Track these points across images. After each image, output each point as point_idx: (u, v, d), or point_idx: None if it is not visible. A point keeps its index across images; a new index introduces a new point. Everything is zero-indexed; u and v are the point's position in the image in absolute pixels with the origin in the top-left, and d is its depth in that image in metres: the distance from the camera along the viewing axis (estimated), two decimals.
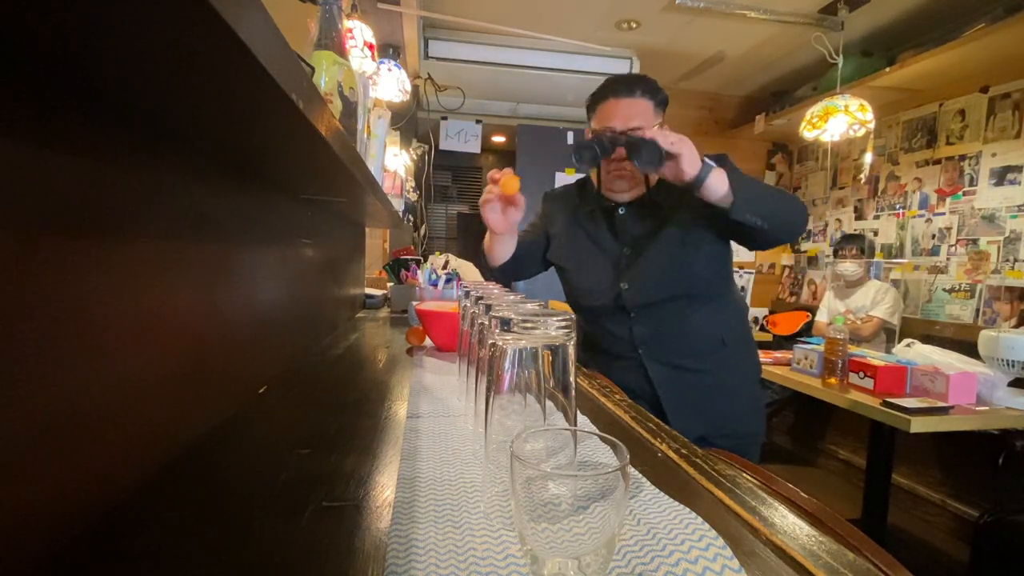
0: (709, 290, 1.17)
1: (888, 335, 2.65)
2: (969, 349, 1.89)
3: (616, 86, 1.14)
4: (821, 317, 2.93)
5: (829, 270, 3.41)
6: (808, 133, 2.60)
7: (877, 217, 3.13)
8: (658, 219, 1.17)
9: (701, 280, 1.15)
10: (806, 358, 2.09)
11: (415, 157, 2.91)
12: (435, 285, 1.90)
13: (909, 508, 2.61)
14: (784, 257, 3.92)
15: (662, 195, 1.17)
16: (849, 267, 2.69)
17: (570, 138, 3.12)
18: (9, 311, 0.34)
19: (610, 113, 1.13)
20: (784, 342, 2.86)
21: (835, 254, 2.83)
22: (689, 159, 0.99)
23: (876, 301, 2.65)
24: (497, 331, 0.44)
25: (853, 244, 2.73)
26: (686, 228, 1.14)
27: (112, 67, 0.33)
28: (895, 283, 2.96)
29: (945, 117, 2.74)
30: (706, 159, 1.01)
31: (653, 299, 1.15)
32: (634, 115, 1.11)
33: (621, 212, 1.20)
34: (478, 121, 3.20)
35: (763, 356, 2.35)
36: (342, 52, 0.75)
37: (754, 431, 1.23)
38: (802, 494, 0.56)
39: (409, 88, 2.32)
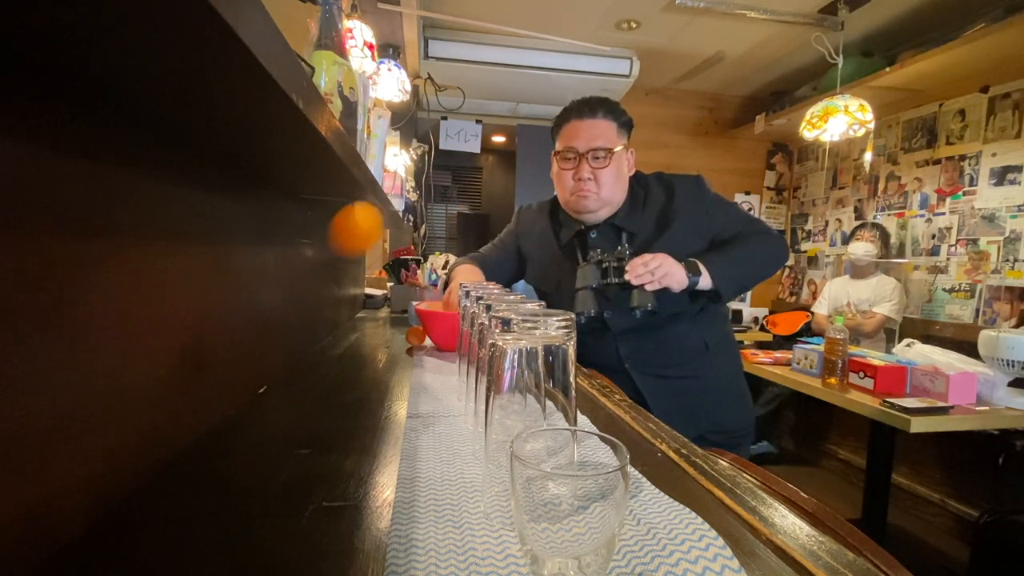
0: (691, 306, 1.17)
1: (888, 335, 2.64)
2: (969, 349, 1.89)
3: (579, 107, 1.15)
4: (820, 309, 2.92)
5: (832, 262, 3.39)
6: (808, 133, 2.60)
7: (876, 217, 3.13)
8: (630, 244, 1.17)
9: (681, 300, 1.15)
10: (806, 358, 2.09)
11: (415, 157, 2.91)
12: (435, 285, 1.91)
13: (909, 508, 2.61)
14: None
15: (628, 221, 1.18)
16: (861, 247, 2.70)
17: None
18: (9, 311, 0.34)
19: (573, 134, 1.14)
20: (784, 342, 2.86)
21: (851, 235, 2.83)
22: (677, 282, 1.04)
23: (881, 296, 2.64)
24: (497, 331, 0.44)
25: (873, 229, 2.75)
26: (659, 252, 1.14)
27: (112, 67, 0.33)
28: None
29: (945, 117, 2.74)
30: (688, 273, 1.05)
31: (637, 323, 1.15)
32: (597, 136, 1.12)
33: (593, 236, 1.21)
34: (478, 121, 3.20)
35: (763, 356, 2.36)
36: (342, 52, 0.75)
37: (744, 425, 1.25)
38: (802, 494, 0.56)
39: (409, 88, 2.32)
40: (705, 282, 1.07)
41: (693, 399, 1.17)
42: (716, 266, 1.08)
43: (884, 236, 2.76)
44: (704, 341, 1.19)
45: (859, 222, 3.13)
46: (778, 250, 1.18)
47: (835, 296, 2.85)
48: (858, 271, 2.76)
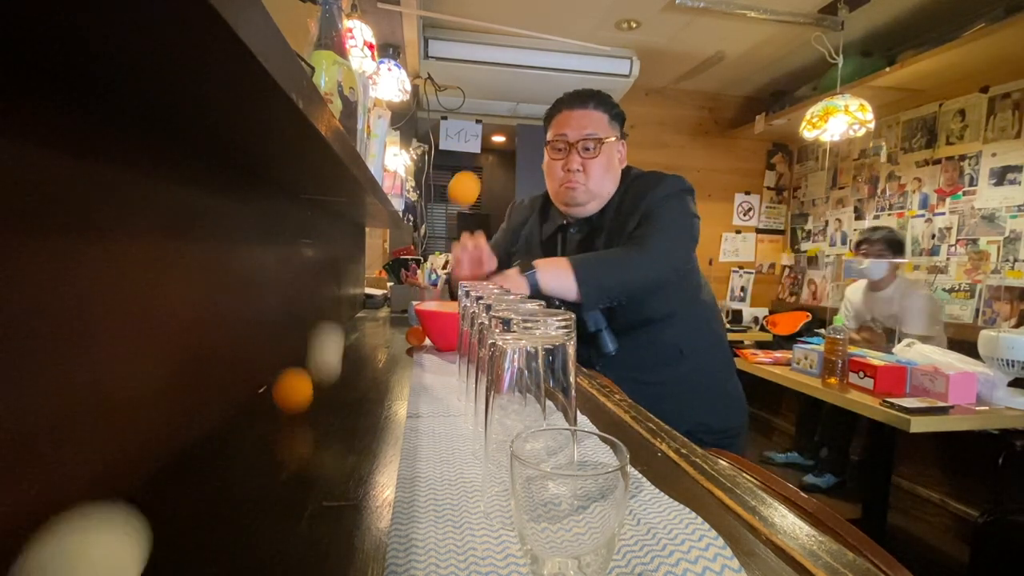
0: (664, 310, 1.15)
1: (888, 335, 2.64)
2: (969, 349, 1.89)
3: (570, 99, 1.16)
4: (849, 323, 2.61)
5: (832, 262, 3.30)
6: (808, 133, 2.60)
7: (877, 217, 3.13)
8: (603, 243, 1.16)
9: (654, 304, 1.13)
10: (806, 358, 2.09)
11: (415, 157, 2.91)
12: (435, 285, 1.91)
13: (909, 508, 2.61)
14: (784, 257, 3.92)
15: (602, 219, 1.17)
16: (866, 265, 2.43)
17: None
18: (8, 311, 0.34)
19: (564, 122, 1.15)
20: (784, 342, 2.85)
21: (857, 248, 2.53)
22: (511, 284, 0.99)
23: (910, 314, 2.35)
24: (497, 331, 0.44)
25: (878, 239, 2.44)
26: None
27: (112, 67, 0.33)
28: None
29: (945, 117, 2.74)
30: (529, 273, 1.00)
31: (609, 325, 1.14)
32: (588, 124, 1.13)
33: (572, 231, 1.20)
34: (478, 121, 3.20)
35: (763, 356, 2.36)
36: (342, 52, 0.75)
37: (735, 424, 1.23)
38: (802, 494, 0.56)
39: (409, 88, 2.31)
40: (557, 286, 1.00)
41: (669, 403, 1.13)
42: (583, 269, 1.01)
43: (891, 243, 2.43)
44: (678, 347, 1.17)
45: (860, 235, 2.63)
46: (649, 267, 1.05)
47: (858, 312, 2.59)
48: (875, 283, 2.50)
